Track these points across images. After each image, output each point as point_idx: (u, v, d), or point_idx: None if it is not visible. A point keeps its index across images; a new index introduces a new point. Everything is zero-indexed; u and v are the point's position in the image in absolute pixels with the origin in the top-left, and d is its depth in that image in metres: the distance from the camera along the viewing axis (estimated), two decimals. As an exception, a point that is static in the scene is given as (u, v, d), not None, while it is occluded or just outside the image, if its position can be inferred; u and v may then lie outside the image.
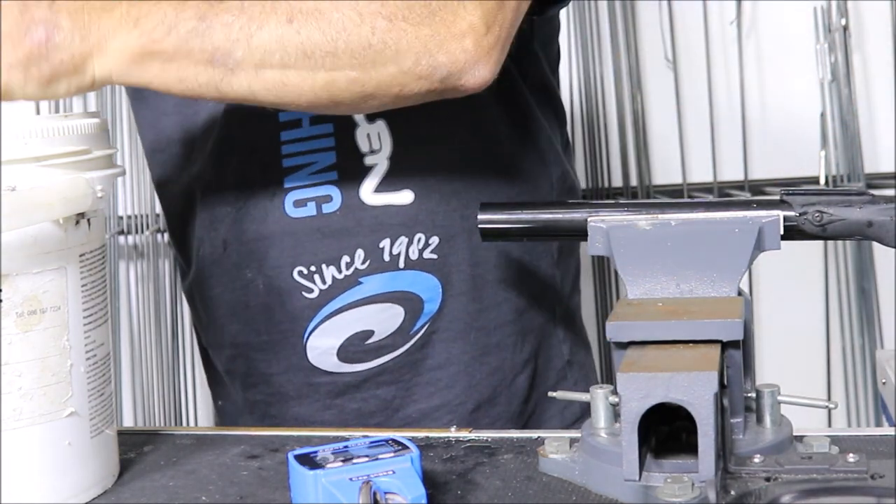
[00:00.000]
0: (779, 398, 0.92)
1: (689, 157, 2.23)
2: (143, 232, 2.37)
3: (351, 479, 0.79)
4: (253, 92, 0.97)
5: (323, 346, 1.19)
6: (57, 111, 2.37)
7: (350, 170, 1.17)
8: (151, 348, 2.38)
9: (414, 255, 1.18)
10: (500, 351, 1.23)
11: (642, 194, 2.21)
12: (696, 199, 1.05)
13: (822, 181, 2.21)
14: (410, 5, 0.96)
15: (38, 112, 2.36)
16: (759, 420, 0.92)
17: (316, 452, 0.83)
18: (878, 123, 2.22)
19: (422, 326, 1.20)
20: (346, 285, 1.17)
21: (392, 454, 0.82)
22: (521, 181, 1.24)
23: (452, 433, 1.02)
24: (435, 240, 1.18)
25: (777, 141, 2.24)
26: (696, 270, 0.97)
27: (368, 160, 1.17)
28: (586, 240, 1.02)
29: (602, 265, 2.23)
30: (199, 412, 2.41)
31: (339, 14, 0.94)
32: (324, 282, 1.18)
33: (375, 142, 1.17)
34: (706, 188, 2.25)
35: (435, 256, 1.18)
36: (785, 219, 0.99)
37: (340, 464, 0.81)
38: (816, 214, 1.01)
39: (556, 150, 1.28)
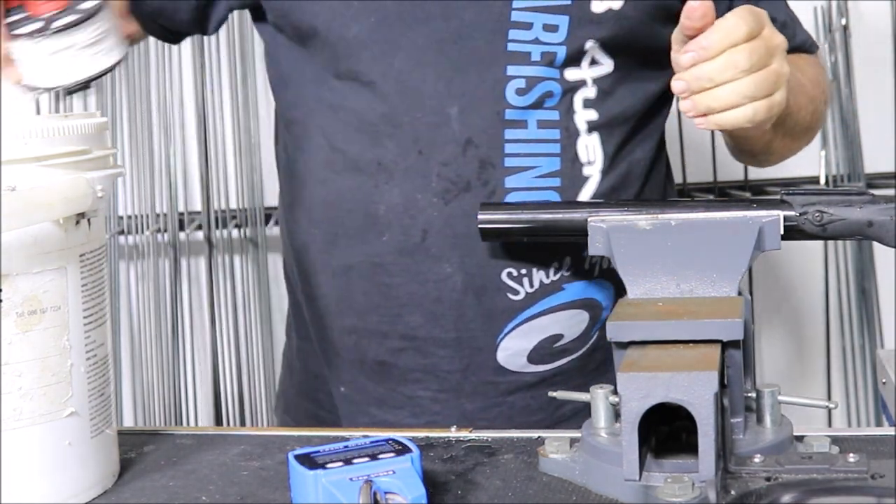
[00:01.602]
0: (779, 398, 0.92)
1: (689, 157, 2.23)
2: (143, 232, 2.37)
3: (351, 479, 0.79)
4: None
5: (516, 347, 1.20)
6: (57, 111, 2.37)
7: (572, 178, 1.19)
8: (151, 348, 2.38)
9: (605, 264, 1.20)
10: None
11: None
12: (696, 199, 1.06)
13: (822, 181, 2.21)
14: None
15: (38, 112, 2.36)
16: (760, 420, 0.92)
17: (316, 452, 0.83)
18: (878, 123, 2.22)
19: (597, 331, 1.23)
20: (551, 290, 1.19)
21: (392, 454, 0.82)
22: (670, 183, 1.34)
23: (452, 433, 1.02)
24: None
25: (777, 141, 2.24)
26: (696, 270, 0.97)
27: (586, 170, 1.19)
28: (586, 240, 1.02)
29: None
30: (200, 412, 2.41)
31: None
32: (531, 285, 1.18)
33: (592, 153, 1.20)
34: (706, 188, 2.25)
35: None
36: (785, 219, 0.99)
37: (340, 464, 0.81)
38: (816, 214, 1.01)
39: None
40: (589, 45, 1.18)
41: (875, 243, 1.03)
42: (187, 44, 2.38)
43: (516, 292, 1.18)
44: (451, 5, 1.16)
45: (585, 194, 1.19)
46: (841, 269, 2.26)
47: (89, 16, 1.04)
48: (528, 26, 1.16)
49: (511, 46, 1.15)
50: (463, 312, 1.19)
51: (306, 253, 1.25)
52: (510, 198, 1.17)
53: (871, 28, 2.24)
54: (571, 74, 1.18)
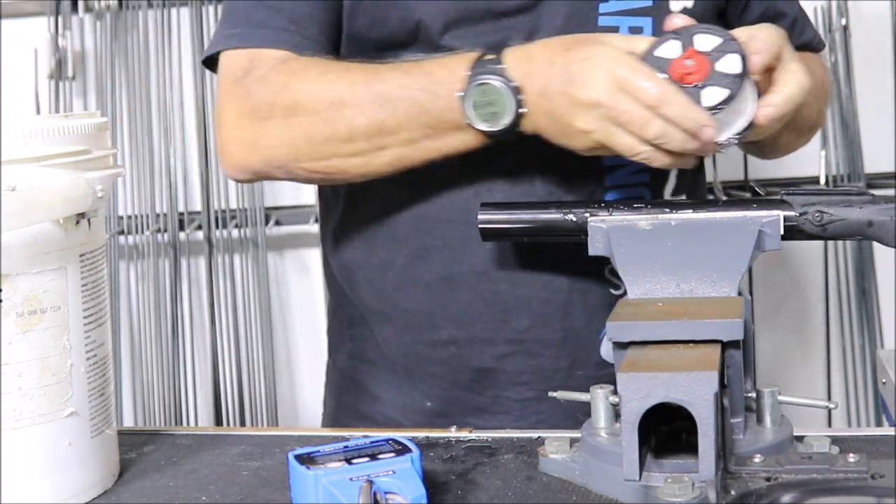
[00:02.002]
0: (779, 398, 0.92)
1: (689, 157, 2.23)
2: (143, 232, 2.38)
3: (351, 479, 0.79)
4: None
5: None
6: (57, 111, 2.37)
7: (656, 173, 1.20)
8: (151, 348, 2.38)
9: None
10: None
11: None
12: (695, 200, 1.06)
13: (822, 181, 2.21)
14: None
15: (38, 112, 2.36)
16: (760, 420, 0.92)
17: (316, 452, 0.83)
18: (878, 123, 2.22)
19: None
20: None
21: (392, 454, 0.82)
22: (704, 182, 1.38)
23: (452, 433, 1.02)
24: None
25: (777, 141, 2.24)
26: (696, 270, 0.97)
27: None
28: (586, 240, 1.02)
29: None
30: (200, 412, 2.41)
31: None
32: None
33: None
34: (706, 188, 2.25)
35: None
36: (785, 219, 0.99)
37: (340, 464, 0.81)
38: (816, 214, 1.01)
39: None
40: None
41: (875, 243, 1.03)
42: (187, 44, 2.38)
43: (617, 287, 1.17)
44: (541, 13, 1.17)
45: (668, 189, 1.23)
46: (841, 269, 2.26)
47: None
48: (614, 30, 1.17)
49: None
50: (569, 311, 1.20)
51: (383, 271, 1.24)
52: (608, 196, 1.19)
53: (871, 28, 2.24)
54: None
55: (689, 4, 1.21)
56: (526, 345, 1.22)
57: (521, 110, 1.05)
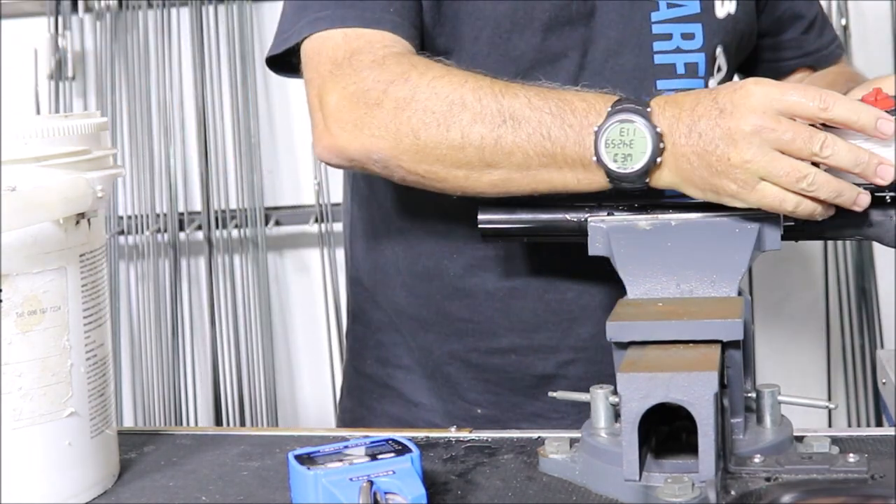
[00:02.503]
0: (779, 398, 0.92)
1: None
2: (143, 232, 2.37)
3: (351, 479, 0.79)
4: None
5: None
6: (57, 111, 2.37)
7: None
8: (151, 348, 2.38)
9: None
10: None
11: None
12: (696, 200, 1.05)
13: (822, 181, 2.21)
14: None
15: (38, 112, 2.36)
16: (760, 420, 0.92)
17: (316, 452, 0.83)
18: (878, 123, 2.22)
19: None
20: None
21: (392, 454, 0.82)
22: None
23: (452, 433, 1.02)
24: None
25: (777, 141, 2.24)
26: (696, 270, 0.97)
27: None
28: (586, 240, 1.02)
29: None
30: (200, 412, 2.41)
31: None
32: None
33: None
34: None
35: None
36: (785, 219, 0.99)
37: (340, 464, 0.81)
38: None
39: None
40: (718, 51, 1.22)
41: (875, 243, 1.03)
42: (187, 44, 2.38)
43: None
44: (598, 24, 1.17)
45: None
46: (841, 269, 2.26)
47: None
48: (668, 37, 1.19)
49: (658, 59, 1.18)
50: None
51: (430, 279, 1.23)
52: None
53: (871, 28, 2.24)
54: (712, 84, 1.21)
55: (733, 10, 1.23)
56: (588, 352, 1.22)
57: (657, 159, 0.97)
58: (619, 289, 1.18)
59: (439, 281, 1.23)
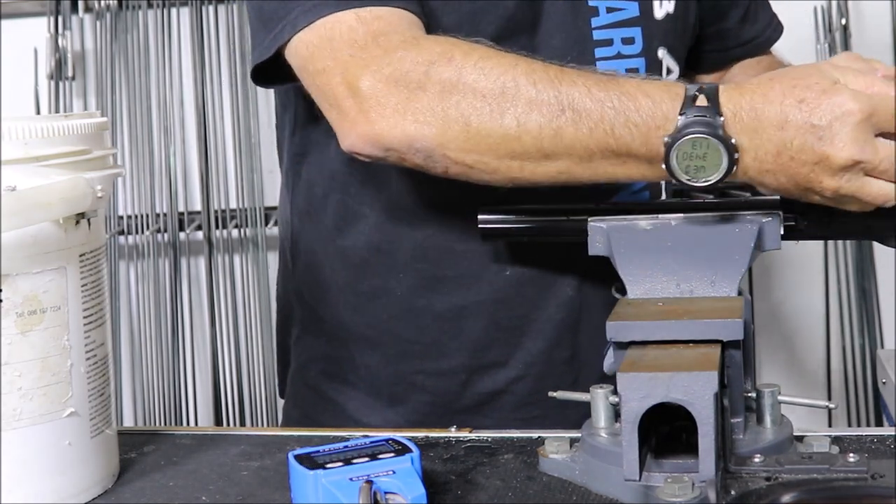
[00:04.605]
0: (779, 398, 0.92)
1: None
2: (143, 232, 2.38)
3: (351, 479, 0.79)
4: None
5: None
6: (57, 111, 2.37)
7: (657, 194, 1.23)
8: (151, 348, 2.38)
9: None
10: None
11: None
12: (696, 200, 1.05)
13: (822, 181, 2.21)
14: None
15: (38, 112, 2.36)
16: (760, 420, 0.92)
17: (316, 452, 0.83)
18: (878, 123, 2.22)
19: None
20: None
21: (392, 454, 0.82)
22: None
23: (452, 433, 1.02)
24: None
25: (777, 141, 2.24)
26: (696, 270, 0.97)
27: None
28: (586, 240, 1.02)
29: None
30: (200, 412, 2.41)
31: None
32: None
33: None
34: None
35: None
36: (785, 219, 0.99)
37: (340, 464, 0.81)
38: (816, 214, 1.01)
39: None
40: (661, 52, 1.22)
41: (875, 243, 1.03)
42: (187, 44, 2.38)
43: None
44: (542, 33, 1.15)
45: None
46: (841, 269, 2.26)
47: None
48: (609, 43, 1.18)
49: (600, 66, 1.16)
50: (578, 330, 1.20)
51: (373, 299, 1.20)
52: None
53: (871, 28, 2.24)
54: None
55: (671, 9, 1.22)
56: (537, 367, 1.21)
57: (733, 168, 0.93)
58: (570, 302, 1.20)
59: (384, 300, 1.20)
